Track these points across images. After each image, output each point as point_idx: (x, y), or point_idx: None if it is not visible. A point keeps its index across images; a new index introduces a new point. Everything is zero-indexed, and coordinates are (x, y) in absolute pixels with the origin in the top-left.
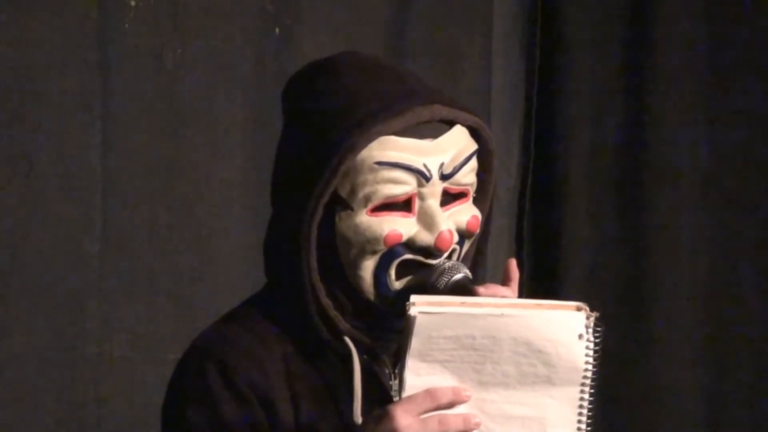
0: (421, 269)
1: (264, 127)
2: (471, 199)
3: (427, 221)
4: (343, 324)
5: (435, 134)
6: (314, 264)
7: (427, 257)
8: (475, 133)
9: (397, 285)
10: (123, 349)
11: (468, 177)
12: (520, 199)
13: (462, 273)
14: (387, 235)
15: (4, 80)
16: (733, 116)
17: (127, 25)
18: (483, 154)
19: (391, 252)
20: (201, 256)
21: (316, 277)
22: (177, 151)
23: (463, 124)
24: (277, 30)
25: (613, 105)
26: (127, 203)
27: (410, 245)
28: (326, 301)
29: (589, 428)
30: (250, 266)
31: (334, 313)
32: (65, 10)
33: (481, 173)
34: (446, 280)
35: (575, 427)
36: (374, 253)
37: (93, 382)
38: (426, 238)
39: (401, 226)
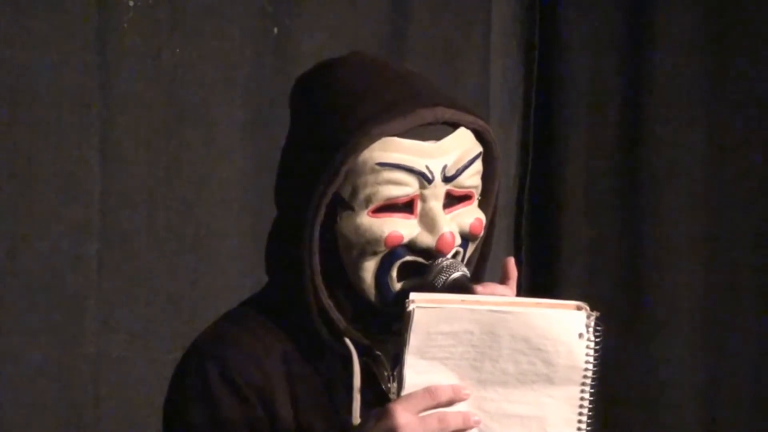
0: (422, 271)
1: (263, 127)
2: (475, 202)
3: (428, 223)
4: (343, 325)
5: (438, 136)
6: (317, 265)
7: (428, 259)
8: (479, 137)
9: (399, 286)
10: (121, 348)
11: (472, 180)
12: (518, 198)
13: (460, 271)
14: (388, 237)
15: (3, 80)
16: (731, 117)
17: (125, 25)
18: (487, 159)
19: (392, 253)
20: (199, 257)
21: (318, 278)
22: (175, 151)
23: (467, 127)
24: (275, 30)
25: (612, 105)
26: (125, 203)
27: (411, 247)
28: (328, 303)
29: (589, 428)
30: (248, 266)
31: (335, 314)
32: (64, 11)
33: (485, 177)
34: (444, 278)
35: (575, 427)
36: (375, 254)
37: (92, 381)
38: (427, 240)
39: (402, 228)
